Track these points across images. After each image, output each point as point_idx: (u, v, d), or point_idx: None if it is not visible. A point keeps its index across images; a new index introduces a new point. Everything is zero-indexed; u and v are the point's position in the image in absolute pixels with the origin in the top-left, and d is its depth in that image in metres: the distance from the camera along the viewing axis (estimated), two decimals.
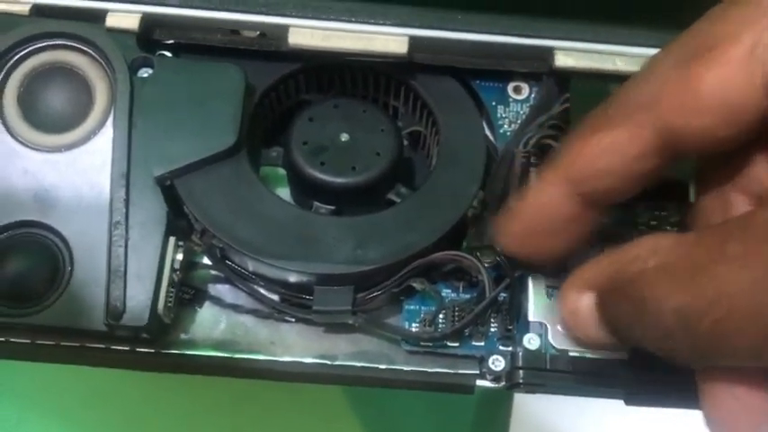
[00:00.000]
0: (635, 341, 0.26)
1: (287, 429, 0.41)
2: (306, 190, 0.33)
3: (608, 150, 0.26)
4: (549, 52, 0.33)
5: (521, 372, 0.29)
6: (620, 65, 0.33)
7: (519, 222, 0.28)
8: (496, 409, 0.42)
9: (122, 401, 0.42)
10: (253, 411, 0.41)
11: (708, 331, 0.23)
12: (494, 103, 0.34)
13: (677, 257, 0.24)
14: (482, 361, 0.31)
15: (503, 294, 0.31)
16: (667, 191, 0.32)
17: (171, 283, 0.30)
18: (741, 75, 0.24)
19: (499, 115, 0.34)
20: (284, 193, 0.34)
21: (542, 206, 0.27)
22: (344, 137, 0.33)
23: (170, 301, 0.30)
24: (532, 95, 0.34)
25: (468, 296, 0.31)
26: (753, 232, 0.23)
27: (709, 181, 0.28)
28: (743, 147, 0.26)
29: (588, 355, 0.30)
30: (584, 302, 0.27)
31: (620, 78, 0.32)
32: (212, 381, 0.41)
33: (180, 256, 0.30)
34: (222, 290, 0.32)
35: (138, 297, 0.29)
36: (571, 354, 0.30)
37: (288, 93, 0.35)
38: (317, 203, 0.33)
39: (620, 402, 0.39)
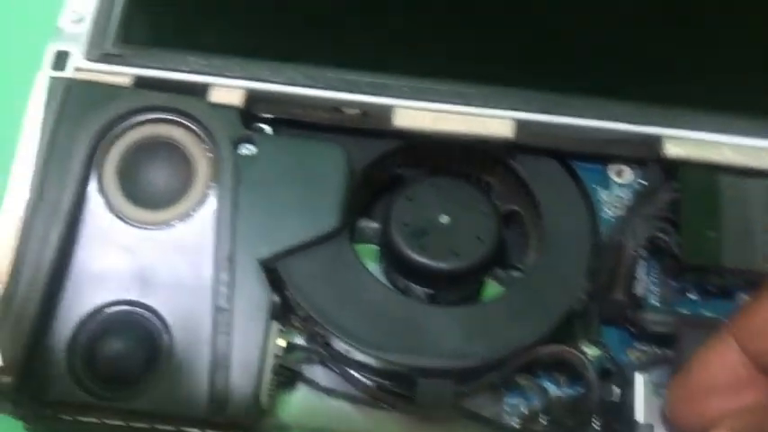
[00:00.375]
0: None
1: None
2: (403, 271, 0.32)
3: None
4: (658, 140, 0.32)
5: None
6: (729, 155, 0.32)
7: (690, 383, 0.27)
8: None
9: None
10: None
11: None
12: (594, 186, 0.33)
13: None
14: None
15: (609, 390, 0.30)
16: None
17: (273, 370, 0.29)
18: None
19: (601, 199, 0.33)
20: (374, 267, 0.33)
21: (716, 366, 0.27)
22: (444, 219, 0.32)
23: (272, 391, 0.29)
24: (635, 179, 0.34)
25: (570, 391, 0.31)
26: None
27: None
28: None
29: None
30: None
31: (728, 169, 0.32)
32: None
33: (283, 344, 0.30)
34: (317, 371, 0.32)
35: (242, 388, 0.28)
36: None
37: (384, 168, 0.34)
38: (411, 284, 0.32)
39: None
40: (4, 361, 0.28)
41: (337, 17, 0.33)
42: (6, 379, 0.28)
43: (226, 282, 0.29)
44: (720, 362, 0.26)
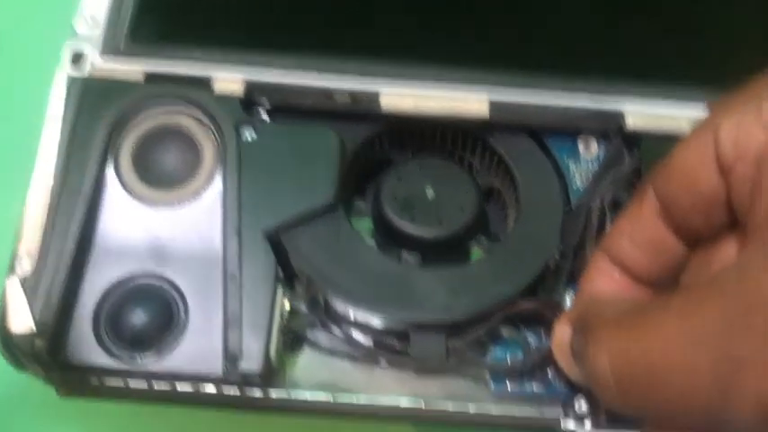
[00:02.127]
0: (585, 382, 0.29)
1: None
2: (394, 241, 0.36)
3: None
4: (620, 115, 0.35)
5: (603, 415, 0.32)
6: (685, 126, 0.35)
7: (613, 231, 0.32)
8: None
9: None
10: None
11: (636, 379, 0.25)
12: (565, 159, 0.37)
13: (629, 307, 0.27)
14: (566, 404, 0.33)
15: None
16: None
17: (280, 330, 0.32)
18: (697, 154, 0.27)
19: (571, 171, 0.37)
20: (370, 242, 0.36)
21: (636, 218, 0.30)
22: (430, 193, 0.35)
23: (279, 348, 0.32)
24: (601, 153, 0.37)
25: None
26: (696, 291, 0.25)
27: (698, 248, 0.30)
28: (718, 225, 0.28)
29: None
30: (566, 336, 0.30)
31: None
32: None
33: (288, 306, 0.33)
34: (319, 335, 0.35)
35: (253, 344, 0.31)
36: None
37: (374, 150, 0.37)
38: (404, 252, 0.35)
39: None
40: (36, 327, 0.31)
41: (326, 11, 0.36)
42: (39, 343, 0.31)
43: (235, 252, 0.33)
44: (639, 213, 0.30)
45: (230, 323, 0.32)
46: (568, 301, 0.34)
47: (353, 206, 0.37)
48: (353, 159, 0.36)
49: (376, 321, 0.33)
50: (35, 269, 0.32)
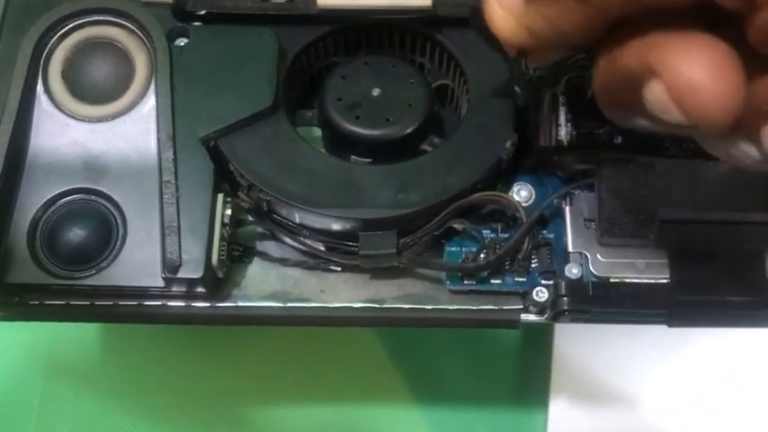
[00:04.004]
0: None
1: (330, 386, 0.42)
2: (342, 145, 0.34)
3: None
4: None
5: (565, 299, 0.30)
6: None
7: None
8: (537, 360, 0.43)
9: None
10: (296, 371, 0.42)
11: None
12: None
13: None
14: (525, 295, 0.32)
15: (542, 233, 0.32)
16: None
17: (222, 238, 0.31)
18: None
19: (524, 62, 0.35)
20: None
21: None
22: (376, 91, 0.34)
23: (222, 255, 0.31)
24: None
25: (506, 236, 0.32)
26: None
27: None
28: None
29: (628, 280, 0.31)
30: None
31: None
32: (253, 348, 0.42)
33: (229, 212, 0.31)
34: (269, 246, 0.33)
35: (193, 250, 0.30)
36: (612, 280, 0.31)
37: (318, 56, 0.36)
38: (353, 157, 0.34)
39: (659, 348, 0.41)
40: None
41: None
42: None
43: (170, 159, 0.31)
44: None
45: (168, 231, 0.30)
46: (523, 194, 0.33)
47: (303, 116, 0.36)
48: (295, 64, 0.34)
49: (323, 222, 0.32)
50: None
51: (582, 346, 0.42)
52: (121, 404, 0.42)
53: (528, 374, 0.43)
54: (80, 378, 0.43)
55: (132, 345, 0.43)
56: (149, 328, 0.42)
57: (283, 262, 0.33)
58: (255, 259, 0.33)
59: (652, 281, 0.31)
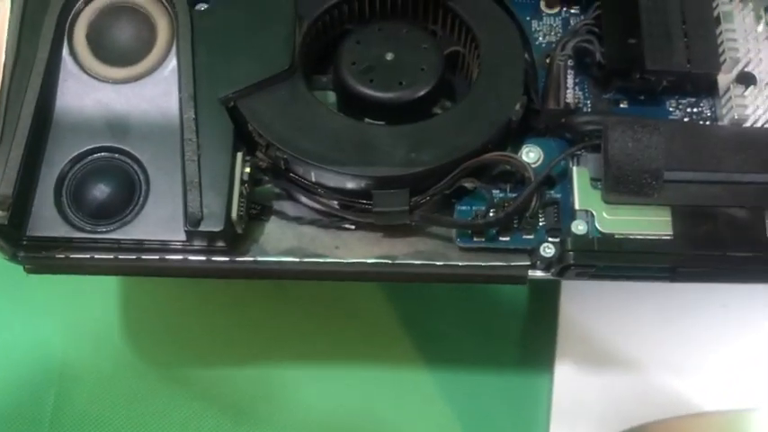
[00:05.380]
0: None
1: (342, 349, 0.43)
2: (356, 107, 0.35)
3: None
4: None
5: (571, 254, 0.31)
6: None
7: None
8: (543, 323, 0.44)
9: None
10: (310, 333, 0.43)
11: None
12: (528, 18, 0.36)
13: None
14: (533, 252, 0.33)
15: (549, 193, 0.33)
16: (697, 86, 0.34)
17: (241, 195, 0.32)
18: None
19: (534, 29, 0.36)
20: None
21: None
22: (390, 56, 0.35)
23: (241, 211, 0.32)
24: (564, 9, 0.36)
25: (515, 195, 0.33)
26: None
27: None
28: None
29: (632, 236, 0.32)
30: None
31: None
32: (268, 312, 0.44)
33: (247, 170, 0.33)
34: (286, 205, 0.34)
35: (213, 205, 0.31)
36: (617, 236, 0.32)
37: (333, 22, 0.37)
38: (367, 120, 0.35)
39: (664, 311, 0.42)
40: None
41: None
42: (1, 214, 0.31)
43: (192, 118, 0.32)
44: None
45: (189, 186, 0.31)
46: (532, 155, 0.34)
47: (318, 81, 0.37)
48: (311, 30, 0.36)
49: (338, 180, 0.33)
50: None
51: (588, 310, 0.43)
52: (142, 366, 0.43)
53: (534, 338, 0.44)
54: (101, 340, 0.44)
55: (153, 308, 0.44)
56: (170, 289, 0.43)
57: (299, 220, 0.34)
58: (272, 218, 0.34)
59: (656, 237, 0.32)
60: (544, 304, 0.44)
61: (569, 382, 0.44)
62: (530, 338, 0.44)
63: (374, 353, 0.44)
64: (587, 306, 0.43)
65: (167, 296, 0.44)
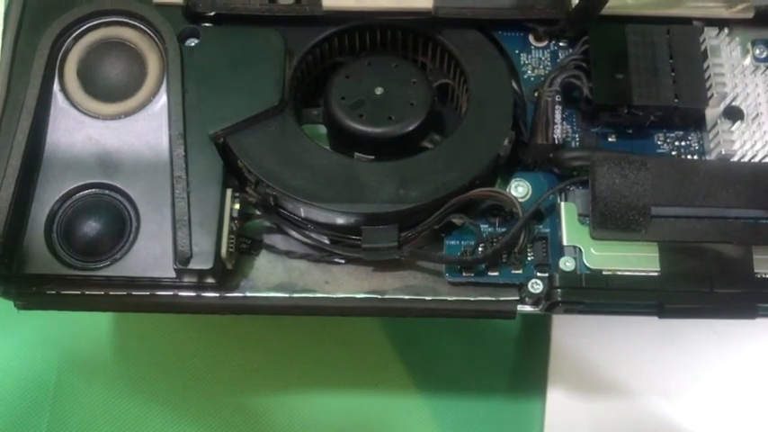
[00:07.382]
0: None
1: (336, 376, 0.44)
2: (346, 142, 0.35)
3: None
4: None
5: (559, 290, 0.31)
6: (630, 4, 0.35)
7: None
8: (535, 351, 0.44)
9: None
10: (303, 361, 0.43)
11: None
12: (516, 52, 0.36)
13: None
14: (521, 287, 0.33)
15: (538, 228, 0.33)
16: (685, 120, 0.35)
17: (231, 231, 0.32)
18: None
19: (522, 62, 0.36)
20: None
21: None
22: (379, 90, 0.35)
23: (231, 247, 0.32)
24: (552, 42, 0.36)
25: (504, 230, 0.34)
26: None
27: None
28: None
29: (620, 273, 0.32)
30: None
31: (632, 19, 0.35)
32: (261, 340, 0.44)
33: (237, 206, 0.33)
34: (276, 239, 0.35)
35: (203, 243, 0.32)
36: (604, 272, 0.32)
37: (323, 55, 0.37)
38: (357, 154, 0.35)
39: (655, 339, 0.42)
40: None
41: None
42: None
43: (182, 155, 0.33)
44: None
45: (179, 224, 0.32)
46: (520, 189, 0.34)
47: (308, 114, 0.37)
48: (301, 64, 0.36)
49: (327, 216, 0.33)
50: None
51: (579, 337, 0.43)
52: (133, 392, 0.43)
53: (526, 365, 0.44)
54: (93, 366, 0.44)
55: (144, 335, 0.44)
56: (161, 317, 0.43)
57: (289, 254, 0.34)
58: (263, 252, 0.34)
59: (643, 273, 0.32)
60: (536, 331, 0.44)
61: (561, 408, 0.44)
62: (521, 365, 0.45)
63: (367, 379, 0.44)
64: (578, 333, 0.43)
65: (159, 322, 0.45)
